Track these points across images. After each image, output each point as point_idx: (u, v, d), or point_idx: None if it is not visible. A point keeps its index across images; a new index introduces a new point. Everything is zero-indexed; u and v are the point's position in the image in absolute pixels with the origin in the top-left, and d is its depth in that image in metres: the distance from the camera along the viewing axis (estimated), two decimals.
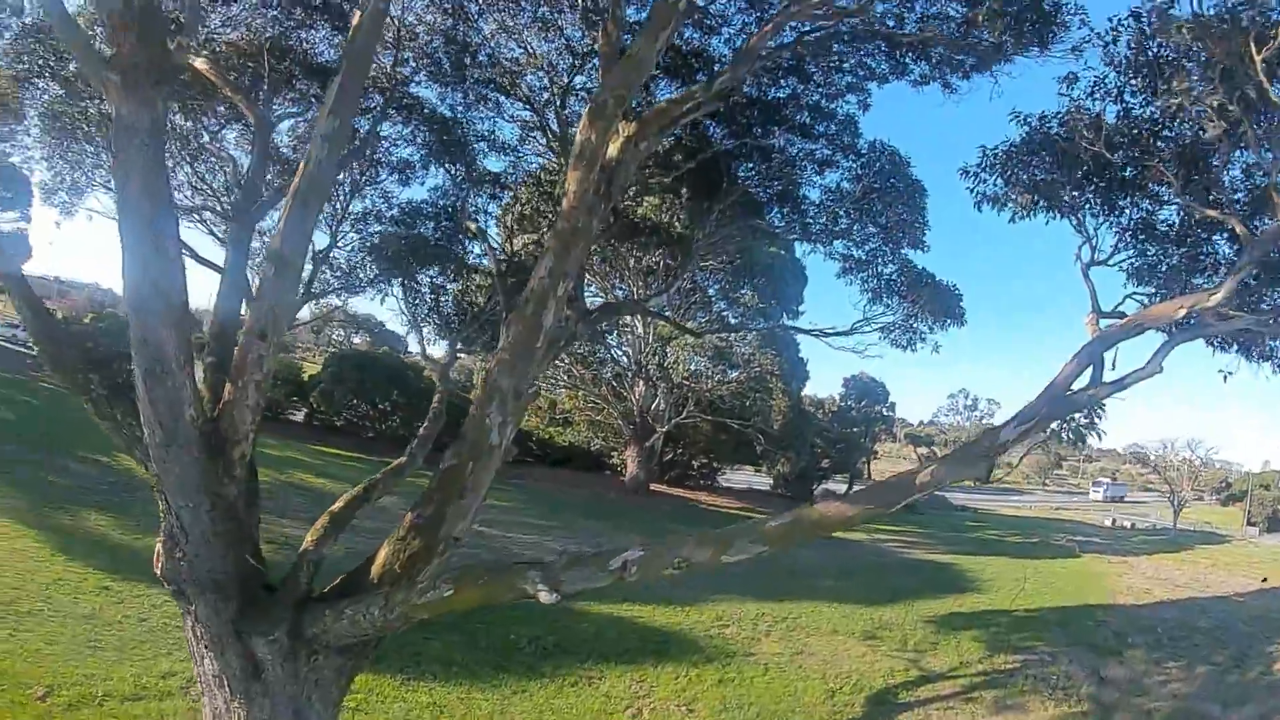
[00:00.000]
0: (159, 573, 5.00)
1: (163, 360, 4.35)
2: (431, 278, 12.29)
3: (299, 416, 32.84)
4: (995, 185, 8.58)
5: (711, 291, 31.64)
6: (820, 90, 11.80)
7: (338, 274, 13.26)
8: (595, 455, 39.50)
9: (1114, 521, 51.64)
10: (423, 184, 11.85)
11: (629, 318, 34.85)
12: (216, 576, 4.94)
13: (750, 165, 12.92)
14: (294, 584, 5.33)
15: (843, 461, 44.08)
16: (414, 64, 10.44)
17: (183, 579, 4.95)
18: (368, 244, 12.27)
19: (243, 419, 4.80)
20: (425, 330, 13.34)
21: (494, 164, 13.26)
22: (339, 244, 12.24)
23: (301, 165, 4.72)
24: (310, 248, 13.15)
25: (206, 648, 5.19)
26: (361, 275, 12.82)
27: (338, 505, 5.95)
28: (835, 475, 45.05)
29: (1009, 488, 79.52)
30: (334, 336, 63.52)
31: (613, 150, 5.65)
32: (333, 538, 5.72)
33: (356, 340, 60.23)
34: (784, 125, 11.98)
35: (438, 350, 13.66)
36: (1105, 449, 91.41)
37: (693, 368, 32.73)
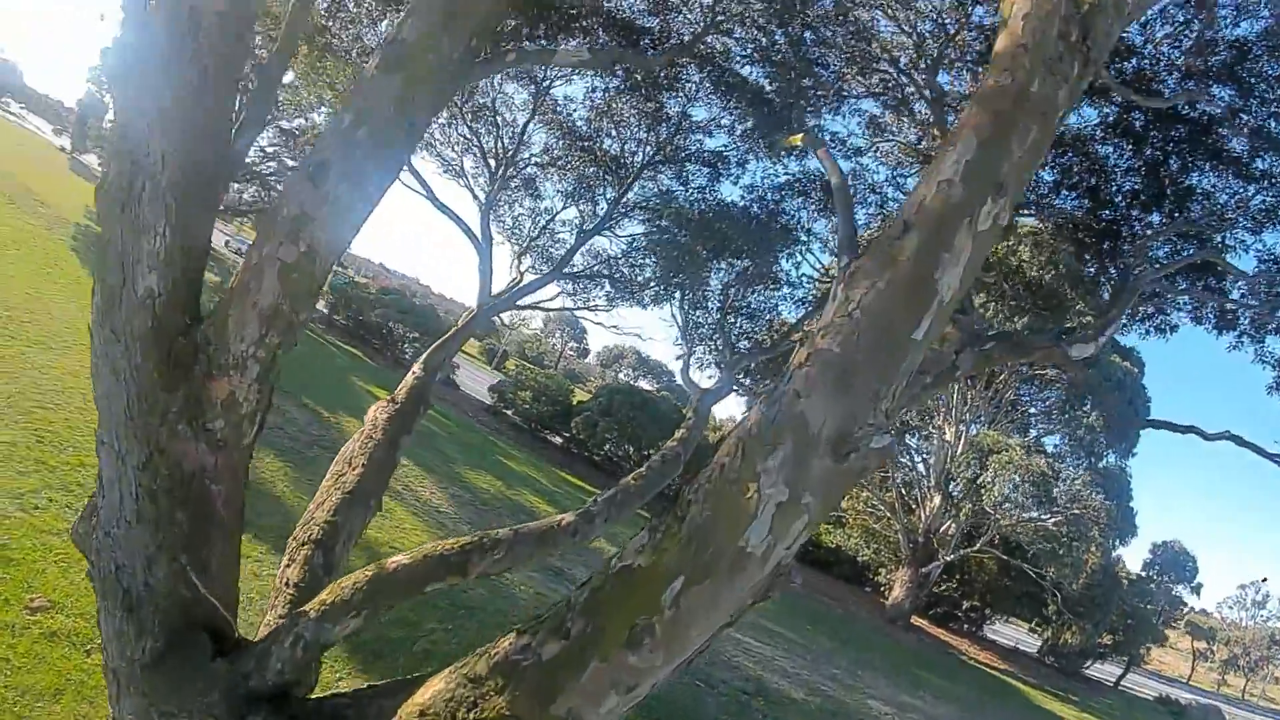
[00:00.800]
0: (71, 533, 3.26)
1: (136, 173, 2.57)
2: (725, 284, 10.26)
3: (558, 440, 33.70)
4: None
5: (1033, 410, 27.60)
6: (1268, 109, 8.14)
7: (619, 276, 11.88)
8: (860, 566, 35.69)
9: None
10: (735, 182, 9.98)
11: (940, 420, 31.45)
12: (129, 585, 3.01)
13: (1157, 216, 9.30)
14: (259, 667, 3.17)
15: (1125, 643, 37.03)
16: (740, 33, 8.63)
17: (90, 558, 3.14)
18: (652, 233, 10.66)
19: (239, 332, 2.81)
20: (698, 352, 11.43)
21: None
22: (616, 231, 10.84)
23: None
24: (578, 227, 12.21)
25: (110, 676, 3.31)
26: (639, 276, 11.25)
27: (397, 561, 3.64)
28: (1113, 656, 38.00)
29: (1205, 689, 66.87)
30: (620, 376, 66.76)
31: None
32: (358, 615, 3.41)
33: (645, 385, 62.49)
34: (1211, 156, 8.48)
35: (708, 380, 11.64)
36: None
37: (1006, 492, 27.15)
